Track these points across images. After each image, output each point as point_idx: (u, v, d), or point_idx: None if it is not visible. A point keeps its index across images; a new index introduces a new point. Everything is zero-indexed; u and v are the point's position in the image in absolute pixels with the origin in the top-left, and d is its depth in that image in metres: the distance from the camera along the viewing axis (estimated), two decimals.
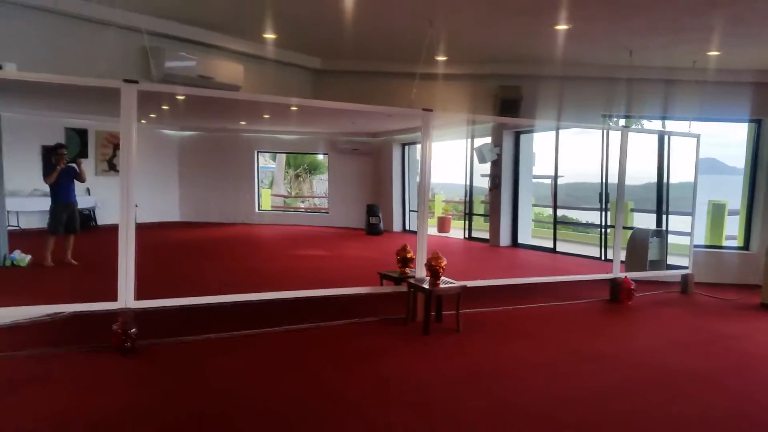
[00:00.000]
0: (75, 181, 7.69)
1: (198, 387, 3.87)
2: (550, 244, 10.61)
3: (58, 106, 10.52)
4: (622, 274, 6.99)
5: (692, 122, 7.71)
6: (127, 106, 4.53)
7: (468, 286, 5.75)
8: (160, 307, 5.01)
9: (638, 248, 7.81)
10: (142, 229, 12.46)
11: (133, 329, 4.47)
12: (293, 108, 10.36)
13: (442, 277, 5.63)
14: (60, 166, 7.45)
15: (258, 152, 15.71)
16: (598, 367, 4.53)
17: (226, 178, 15.13)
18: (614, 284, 6.89)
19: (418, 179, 14.74)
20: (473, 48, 7.45)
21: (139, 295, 4.74)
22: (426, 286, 5.46)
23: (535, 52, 7.57)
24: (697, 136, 7.61)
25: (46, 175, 7.62)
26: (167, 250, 9.77)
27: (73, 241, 7.73)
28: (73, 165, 7.67)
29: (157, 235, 12.23)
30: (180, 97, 9.05)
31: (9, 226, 10.65)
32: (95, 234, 11.22)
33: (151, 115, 12.61)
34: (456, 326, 5.45)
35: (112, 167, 12.51)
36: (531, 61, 8.06)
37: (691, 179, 7.70)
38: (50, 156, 7.95)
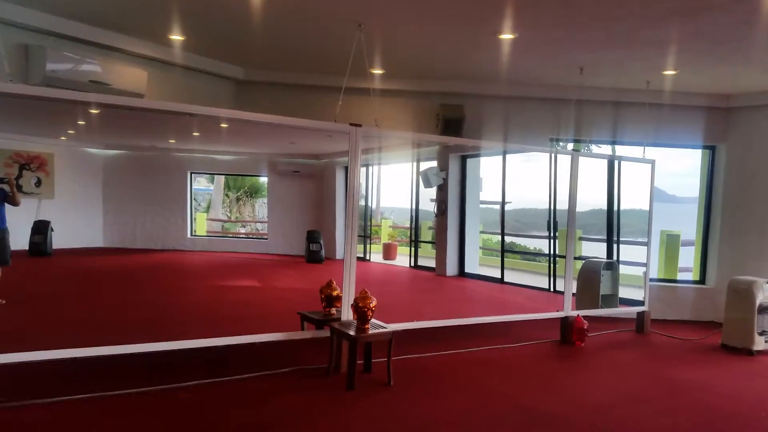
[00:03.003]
0: (5, 204, 6.48)
1: None
2: (497, 274, 10.03)
3: None
4: (574, 312, 6.34)
5: (646, 148, 7.22)
6: None
7: (402, 329, 4.96)
8: (15, 362, 3.99)
9: (590, 282, 7.23)
10: (57, 255, 11.35)
11: None
12: (223, 125, 9.54)
13: (372, 320, 4.84)
14: None
15: (192, 173, 14.67)
16: (548, 429, 3.80)
17: (155, 201, 14.01)
18: (565, 324, 6.24)
19: (361, 203, 14.20)
20: (412, 62, 6.79)
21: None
22: (351, 332, 4.64)
23: (480, 69, 6.97)
24: (652, 162, 7.14)
25: None
26: (72, 283, 8.64)
27: (0, 275, 6.50)
28: (3, 186, 6.51)
29: (70, 263, 11.04)
30: (93, 111, 8.12)
31: None
32: None
33: (69, 131, 11.52)
34: (387, 378, 4.65)
35: (19, 188, 11.24)
36: (475, 78, 7.47)
37: (640, 207, 7.23)
38: None
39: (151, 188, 13.92)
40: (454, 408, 4.18)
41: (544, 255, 11.67)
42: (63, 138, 12.55)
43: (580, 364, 5.58)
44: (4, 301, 6.48)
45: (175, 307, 7.06)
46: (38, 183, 11.84)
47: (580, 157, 6.62)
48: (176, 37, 6.03)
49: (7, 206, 6.55)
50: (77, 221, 13.38)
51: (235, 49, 6.66)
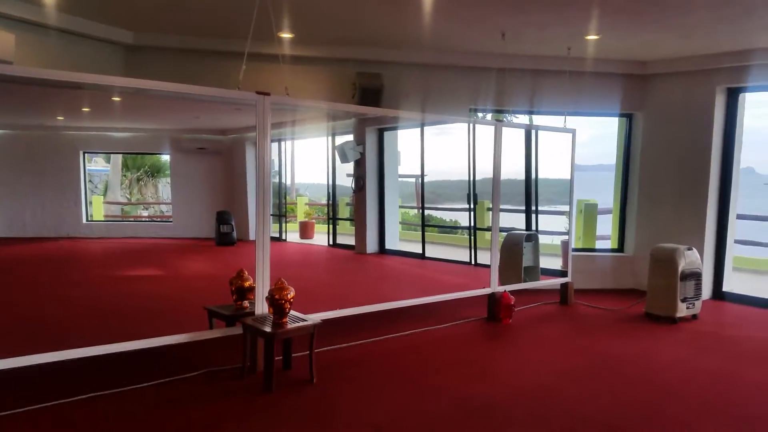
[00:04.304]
0: None
1: None
2: (418, 249, 9.80)
3: None
4: (501, 288, 6.15)
5: (566, 117, 7.09)
6: None
7: (324, 319, 4.51)
8: None
9: (513, 255, 7.07)
10: None
11: None
12: (115, 99, 8.57)
13: (291, 312, 4.35)
14: None
15: (84, 153, 13.37)
16: (487, 422, 3.51)
17: (45, 185, 12.66)
18: (493, 300, 6.03)
19: (275, 180, 13.50)
20: (325, 26, 6.22)
21: None
22: (267, 327, 4.14)
23: (399, 34, 6.51)
24: (573, 131, 7.03)
25: None
26: None
27: None
28: None
29: None
30: None
31: None
32: None
33: None
34: (309, 374, 4.20)
35: None
36: (393, 45, 7.01)
37: (553, 176, 7.15)
38: None
39: (40, 170, 12.56)
40: (384, 405, 3.81)
41: (464, 228, 11.60)
42: None
43: (510, 343, 5.37)
44: None
45: (65, 303, 6.23)
46: None
47: (500, 127, 6.38)
48: None
49: None
50: None
51: (122, 10, 5.79)
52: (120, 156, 17.91)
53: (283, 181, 13.65)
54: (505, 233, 7.20)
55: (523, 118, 9.51)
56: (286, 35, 6.33)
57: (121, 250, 11.25)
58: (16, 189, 12.48)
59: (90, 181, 15.22)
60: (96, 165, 18.51)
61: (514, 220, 8.05)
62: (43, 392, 3.79)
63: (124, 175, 18.35)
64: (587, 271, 7.62)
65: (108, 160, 18.27)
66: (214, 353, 4.64)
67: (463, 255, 9.20)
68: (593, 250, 8.43)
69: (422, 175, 9.70)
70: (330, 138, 10.87)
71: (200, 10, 5.75)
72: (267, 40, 5.28)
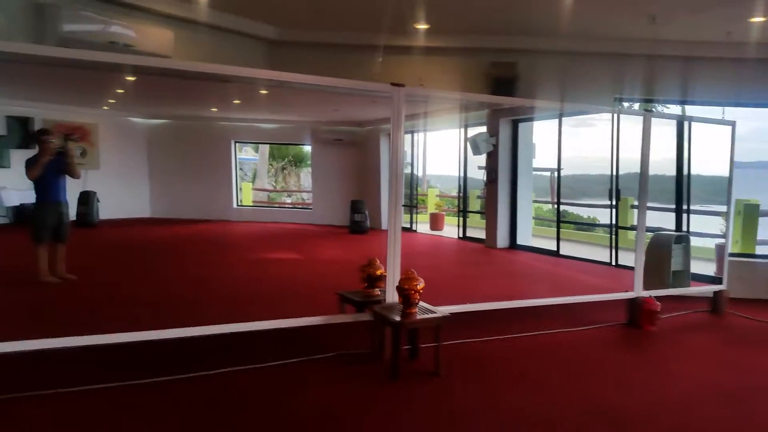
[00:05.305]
0: (65, 175, 6.15)
1: None
2: (551, 245, 9.45)
3: None
4: (645, 293, 5.72)
5: (725, 108, 6.42)
6: None
7: (452, 312, 4.48)
8: (31, 350, 3.71)
9: (660, 257, 6.54)
10: (102, 226, 11.35)
11: None
12: (263, 91, 9.15)
13: (420, 303, 4.38)
14: (44, 158, 5.89)
15: (235, 142, 14.47)
16: None
17: (201, 171, 13.90)
18: (634, 305, 5.62)
19: (407, 171, 13.66)
20: (460, 15, 6.13)
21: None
22: (395, 316, 4.20)
23: (535, 21, 6.27)
24: (733, 124, 6.33)
25: (27, 168, 5.99)
26: (110, 256, 8.52)
27: (64, 252, 6.25)
28: (61, 157, 6.06)
29: (114, 235, 11.03)
30: (130, 78, 7.82)
31: None
32: None
33: (110, 101, 11.36)
34: (434, 367, 4.21)
35: None
36: (529, 32, 6.75)
37: (712, 173, 6.46)
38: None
39: (196, 158, 13.81)
40: (511, 406, 3.71)
41: (604, 225, 10.95)
42: (105, 108, 12.45)
43: (652, 352, 4.99)
44: (75, 277, 6.33)
45: (211, 282, 6.79)
46: (83, 153, 11.79)
47: (645, 119, 5.89)
48: None
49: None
50: (123, 192, 13.39)
51: (267, 6, 6.14)
52: (267, 146, 19.17)
53: (415, 172, 13.77)
54: (652, 233, 6.70)
55: (674, 109, 8.76)
56: (421, 26, 6.35)
57: (266, 234, 12.03)
58: (175, 175, 13.80)
59: (240, 168, 16.40)
60: (245, 154, 19.97)
61: (662, 220, 7.47)
62: (192, 363, 4.16)
63: (271, 164, 19.62)
64: (746, 278, 6.85)
65: (256, 150, 19.64)
66: (344, 337, 4.80)
67: (601, 254, 8.73)
68: (753, 255, 7.56)
69: (559, 169, 9.31)
70: (462, 130, 10.77)
71: (338, 5, 5.92)
72: (400, 32, 5.32)
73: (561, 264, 8.74)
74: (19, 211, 10.47)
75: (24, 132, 10.74)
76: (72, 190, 6.55)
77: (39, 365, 3.96)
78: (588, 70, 7.23)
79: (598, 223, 12.30)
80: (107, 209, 12.29)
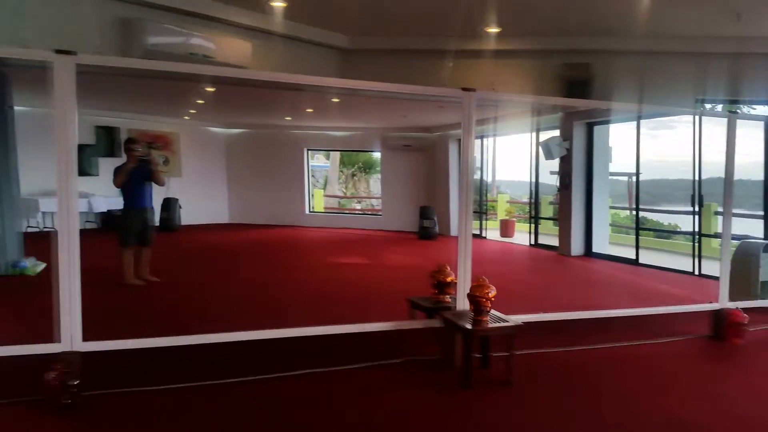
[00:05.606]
0: (151, 182, 6.44)
1: None
2: (630, 254, 9.12)
3: (85, 102, 9.89)
4: (731, 304, 5.41)
5: None
6: (62, 85, 3.46)
7: (525, 322, 4.41)
8: (117, 349, 3.94)
9: (747, 266, 6.18)
10: (183, 231, 11.89)
11: (75, 380, 3.44)
12: (334, 100, 9.36)
13: (492, 311, 4.33)
14: (130, 165, 6.18)
15: (308, 150, 14.86)
16: None
17: (275, 178, 14.40)
18: (719, 317, 5.33)
19: (476, 177, 13.55)
20: (531, 17, 6.04)
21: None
22: (467, 324, 4.18)
23: (611, 21, 6.08)
24: None
25: (114, 175, 6.34)
26: (189, 258, 8.96)
27: (148, 255, 6.62)
28: (147, 165, 6.30)
29: (193, 239, 11.55)
30: (209, 89, 8.22)
31: (29, 227, 10.22)
32: None
33: (191, 111, 11.95)
34: (507, 376, 4.14)
35: None
36: (605, 32, 6.56)
37: None
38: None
39: (271, 165, 14.31)
40: (587, 420, 3.60)
41: (686, 233, 10.43)
42: (186, 117, 13.11)
43: (738, 366, 4.71)
44: (158, 279, 6.68)
45: (284, 284, 7.00)
46: (166, 161, 12.44)
47: (734, 121, 5.58)
48: (278, 4, 5.74)
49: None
50: (204, 198, 14.05)
51: (338, 15, 6.28)
52: (338, 153, 19.56)
53: (484, 178, 13.64)
54: (738, 241, 6.34)
55: (761, 110, 8.26)
56: (492, 30, 6.30)
57: (336, 239, 12.24)
58: (251, 181, 14.35)
59: (312, 175, 16.80)
60: (317, 161, 20.48)
61: (750, 227, 7.06)
62: (263, 365, 4.29)
63: (341, 171, 19.98)
64: None
65: (327, 157, 20.07)
66: (413, 343, 4.81)
67: (683, 263, 8.37)
68: None
69: (637, 173, 8.97)
70: (534, 134, 10.57)
71: (408, 12, 5.98)
72: (471, 36, 5.30)
73: (640, 273, 8.41)
74: (107, 216, 11.18)
75: (110, 141, 11.46)
76: (156, 196, 6.91)
77: (121, 363, 4.20)
78: (667, 70, 6.96)
79: (679, 230, 11.74)
80: (188, 215, 12.94)
